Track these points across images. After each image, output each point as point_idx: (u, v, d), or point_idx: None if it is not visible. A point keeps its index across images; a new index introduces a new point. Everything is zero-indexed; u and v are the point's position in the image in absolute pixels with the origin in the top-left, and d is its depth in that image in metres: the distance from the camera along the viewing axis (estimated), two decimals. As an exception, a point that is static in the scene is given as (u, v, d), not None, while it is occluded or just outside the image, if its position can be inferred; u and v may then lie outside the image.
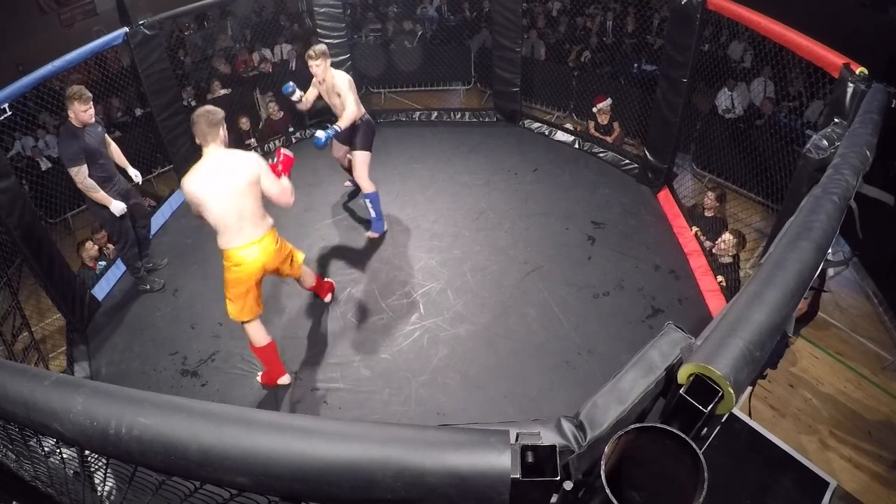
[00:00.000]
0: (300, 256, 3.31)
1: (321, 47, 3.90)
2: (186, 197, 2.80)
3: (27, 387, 0.93)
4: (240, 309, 3.06)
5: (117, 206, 3.78)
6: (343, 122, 3.93)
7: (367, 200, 4.35)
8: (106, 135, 3.91)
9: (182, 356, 3.71)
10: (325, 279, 3.97)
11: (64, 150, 3.57)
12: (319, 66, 3.88)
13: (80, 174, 3.57)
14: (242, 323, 3.13)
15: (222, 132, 2.81)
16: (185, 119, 5.29)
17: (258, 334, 3.19)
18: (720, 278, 3.97)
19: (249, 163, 2.82)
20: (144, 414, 0.86)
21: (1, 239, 3.60)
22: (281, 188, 2.93)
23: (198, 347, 3.74)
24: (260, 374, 3.49)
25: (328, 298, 3.96)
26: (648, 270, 4.07)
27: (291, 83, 3.95)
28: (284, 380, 3.43)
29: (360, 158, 4.19)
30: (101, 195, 3.70)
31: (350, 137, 4.21)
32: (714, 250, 4.15)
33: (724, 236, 4.09)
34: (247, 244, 2.89)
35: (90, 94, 3.56)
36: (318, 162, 5.55)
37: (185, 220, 5.03)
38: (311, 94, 4.13)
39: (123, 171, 4.04)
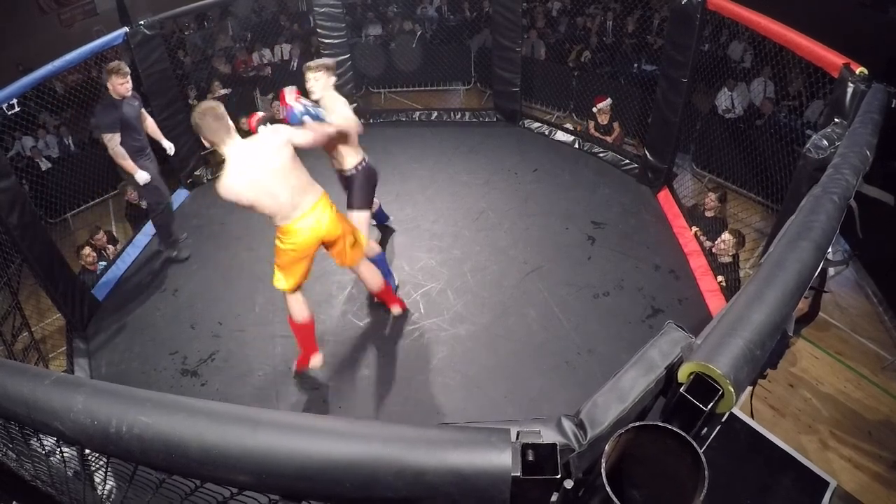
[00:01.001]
0: (363, 238, 3.14)
1: (324, 60, 3.47)
2: (232, 200, 2.63)
3: (27, 386, 0.93)
4: (286, 277, 2.95)
5: (142, 176, 3.99)
6: (345, 164, 3.44)
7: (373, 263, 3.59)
8: (143, 109, 4.13)
9: (182, 356, 3.71)
10: (397, 292, 3.62)
11: (101, 118, 3.84)
12: (318, 82, 3.31)
13: (113, 141, 3.83)
14: (285, 293, 3.03)
15: (230, 122, 2.67)
16: (186, 119, 5.30)
17: (300, 307, 3.09)
18: (720, 278, 3.97)
19: (276, 138, 2.69)
20: (145, 412, 0.86)
21: (1, 239, 3.60)
22: (311, 133, 2.82)
23: (198, 347, 3.75)
24: (294, 363, 3.43)
25: (396, 311, 3.69)
26: (648, 270, 4.07)
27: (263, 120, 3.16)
28: (317, 361, 3.31)
29: (357, 220, 3.42)
30: (128, 164, 3.92)
31: (346, 191, 3.58)
32: (714, 250, 4.15)
33: (723, 236, 4.10)
34: (302, 215, 2.79)
35: (128, 70, 3.81)
36: (317, 162, 5.55)
37: (185, 221, 5.03)
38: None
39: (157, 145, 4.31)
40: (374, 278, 3.39)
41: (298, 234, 2.81)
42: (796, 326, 3.55)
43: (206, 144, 2.70)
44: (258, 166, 2.63)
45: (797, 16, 3.68)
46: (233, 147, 2.64)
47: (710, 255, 4.17)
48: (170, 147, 4.37)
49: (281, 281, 2.99)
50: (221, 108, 2.65)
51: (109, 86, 3.80)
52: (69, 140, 6.90)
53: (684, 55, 4.16)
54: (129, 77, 3.81)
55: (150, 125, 4.29)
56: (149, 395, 0.90)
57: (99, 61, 5.10)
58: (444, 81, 7.87)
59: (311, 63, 3.39)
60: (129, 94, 3.88)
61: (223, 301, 4.07)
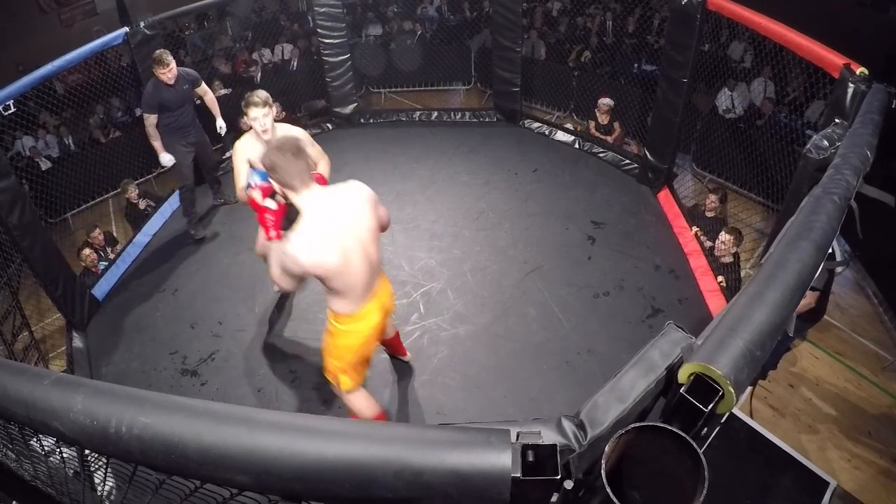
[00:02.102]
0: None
1: (264, 94, 2.81)
2: (307, 269, 2.00)
3: (27, 386, 0.93)
4: (354, 375, 2.43)
5: (164, 158, 4.35)
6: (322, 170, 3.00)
7: None
8: (203, 86, 4.44)
9: (182, 356, 3.70)
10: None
11: (144, 98, 4.17)
12: (267, 117, 2.81)
13: (148, 121, 4.19)
14: (346, 392, 2.50)
15: (309, 160, 2.09)
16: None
17: (369, 403, 2.57)
18: (720, 278, 3.97)
19: (362, 194, 2.14)
20: (145, 413, 0.86)
21: (1, 239, 3.60)
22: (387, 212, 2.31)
23: (198, 347, 3.74)
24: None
25: (408, 357, 3.42)
26: (648, 270, 4.07)
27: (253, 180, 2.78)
28: None
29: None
30: (157, 144, 4.28)
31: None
32: (715, 252, 4.15)
33: (721, 237, 4.09)
34: (373, 296, 2.27)
35: (169, 59, 4.00)
36: (318, 162, 5.56)
37: (185, 220, 5.03)
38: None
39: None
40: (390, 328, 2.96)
41: (371, 319, 2.29)
42: (802, 327, 3.58)
43: (277, 190, 2.10)
44: (343, 235, 2.04)
45: (797, 16, 3.68)
46: (314, 198, 2.04)
47: (711, 255, 4.17)
48: (221, 127, 4.60)
49: (348, 382, 2.43)
50: (302, 141, 2.12)
51: (154, 73, 4.05)
52: (69, 140, 6.90)
53: (684, 55, 4.16)
54: (171, 65, 4.01)
55: (210, 101, 4.56)
56: (148, 396, 0.90)
57: (99, 61, 5.11)
58: (444, 81, 7.86)
59: (256, 97, 2.77)
60: (173, 81, 4.07)
61: (223, 301, 4.07)
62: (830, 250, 3.17)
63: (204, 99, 4.52)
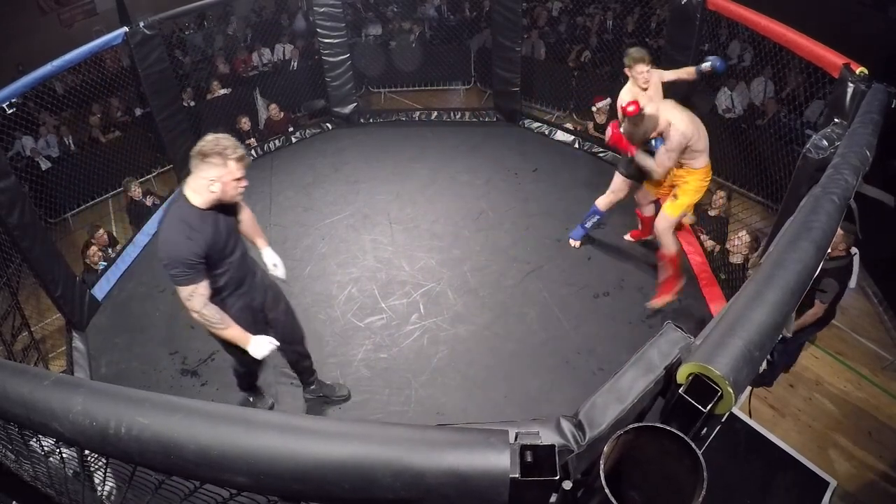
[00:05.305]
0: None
1: (643, 50, 3.67)
2: (685, 138, 3.20)
3: (26, 387, 0.93)
4: (687, 209, 3.64)
5: (260, 345, 2.43)
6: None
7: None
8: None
9: (182, 356, 3.70)
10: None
11: (176, 249, 2.24)
12: (650, 73, 3.64)
13: (200, 294, 2.32)
14: (669, 227, 3.54)
15: None
16: (186, 119, 5.30)
17: (675, 241, 3.65)
18: (723, 276, 3.97)
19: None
20: (143, 413, 0.86)
21: (1, 239, 3.60)
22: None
23: (198, 347, 3.74)
24: (652, 300, 3.71)
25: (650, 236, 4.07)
26: (648, 270, 4.07)
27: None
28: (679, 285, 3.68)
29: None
30: (236, 331, 2.41)
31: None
32: (728, 246, 4.16)
33: (741, 234, 4.10)
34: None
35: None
36: (317, 161, 5.56)
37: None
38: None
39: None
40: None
41: (708, 175, 3.47)
42: (809, 329, 3.59)
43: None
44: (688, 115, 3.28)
45: (796, 16, 3.68)
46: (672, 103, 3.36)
47: (711, 255, 4.17)
48: (276, 264, 2.76)
49: (681, 213, 3.58)
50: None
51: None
52: (69, 140, 6.90)
53: (684, 55, 4.16)
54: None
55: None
56: (147, 396, 0.90)
57: (99, 62, 5.11)
58: (444, 81, 7.86)
59: (639, 53, 3.63)
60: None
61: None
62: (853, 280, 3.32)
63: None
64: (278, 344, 2.51)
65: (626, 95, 3.65)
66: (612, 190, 4.03)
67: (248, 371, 2.91)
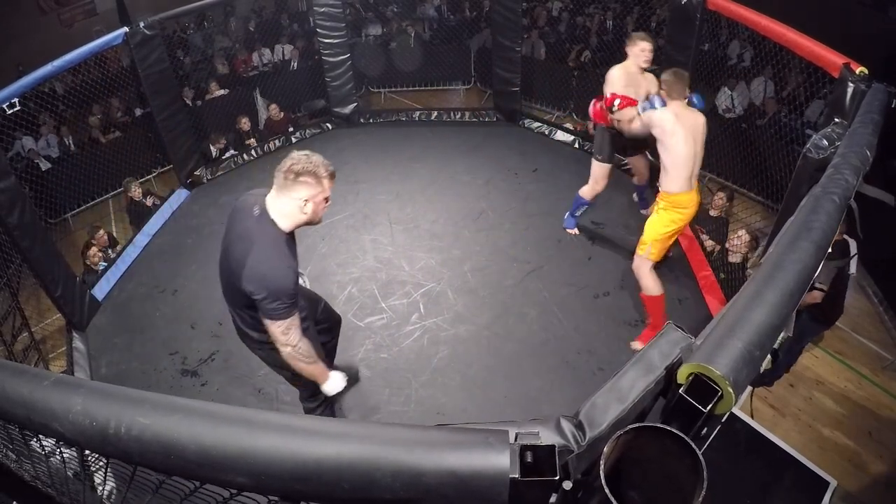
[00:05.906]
0: None
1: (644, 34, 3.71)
2: (663, 123, 2.99)
3: (27, 387, 0.93)
4: (659, 251, 3.26)
5: (335, 381, 2.40)
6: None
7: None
8: None
9: (182, 356, 3.70)
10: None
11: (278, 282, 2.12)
12: (651, 52, 3.65)
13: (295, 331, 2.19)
14: (644, 268, 3.26)
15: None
16: (186, 119, 5.31)
17: (656, 282, 3.33)
18: (722, 275, 3.96)
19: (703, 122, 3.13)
20: (143, 414, 0.86)
21: (1, 239, 3.60)
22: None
23: (198, 347, 3.74)
24: (636, 341, 3.51)
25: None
26: (648, 270, 4.07)
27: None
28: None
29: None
30: (319, 368, 2.31)
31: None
32: (727, 245, 4.16)
33: (740, 233, 4.09)
34: (693, 189, 3.13)
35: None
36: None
37: (185, 221, 5.03)
38: None
39: None
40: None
41: (689, 204, 3.14)
42: (816, 329, 3.56)
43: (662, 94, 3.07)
44: (686, 126, 3.02)
45: (796, 15, 3.68)
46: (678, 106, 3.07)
47: (710, 255, 4.17)
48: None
49: (653, 253, 3.21)
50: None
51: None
52: (69, 140, 6.89)
53: (684, 55, 4.16)
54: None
55: None
56: (147, 396, 0.90)
57: (100, 61, 5.11)
58: (444, 81, 7.86)
59: (645, 35, 3.67)
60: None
61: (223, 301, 4.05)
62: (853, 253, 3.25)
63: None
64: (347, 380, 2.45)
65: (616, 73, 3.67)
66: (592, 178, 4.07)
67: (319, 405, 2.69)
